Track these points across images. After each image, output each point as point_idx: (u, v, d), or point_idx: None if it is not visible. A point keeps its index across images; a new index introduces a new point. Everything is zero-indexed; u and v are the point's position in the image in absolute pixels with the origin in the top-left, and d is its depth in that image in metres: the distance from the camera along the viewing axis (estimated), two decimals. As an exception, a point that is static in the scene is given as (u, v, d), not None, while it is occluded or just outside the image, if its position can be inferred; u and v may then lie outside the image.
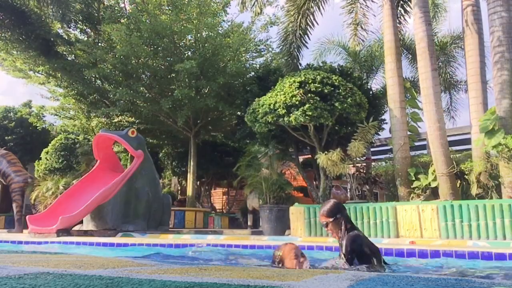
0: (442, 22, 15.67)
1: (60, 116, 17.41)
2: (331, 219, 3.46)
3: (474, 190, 7.31)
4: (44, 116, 19.49)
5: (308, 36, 10.86)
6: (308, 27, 10.71)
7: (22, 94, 67.31)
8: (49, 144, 17.33)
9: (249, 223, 14.43)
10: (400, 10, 11.13)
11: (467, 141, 8.97)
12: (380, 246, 4.78)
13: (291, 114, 8.83)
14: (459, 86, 16.09)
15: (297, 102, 8.79)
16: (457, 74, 15.74)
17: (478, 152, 7.67)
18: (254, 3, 11.74)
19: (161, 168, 18.12)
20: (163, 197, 10.11)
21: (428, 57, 8.14)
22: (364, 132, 9.08)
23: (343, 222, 3.45)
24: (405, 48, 14.84)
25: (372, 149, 16.32)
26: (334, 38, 16.32)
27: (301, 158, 14.31)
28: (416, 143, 9.66)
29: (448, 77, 15.61)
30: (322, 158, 8.74)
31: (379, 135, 13.01)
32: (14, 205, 11.23)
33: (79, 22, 14.89)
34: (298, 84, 9.11)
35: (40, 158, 17.16)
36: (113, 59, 13.10)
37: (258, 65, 14.85)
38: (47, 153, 17.00)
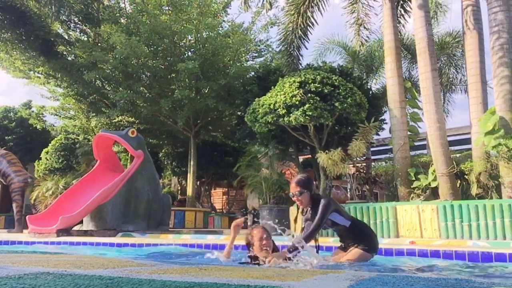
0: (442, 21, 15.66)
1: (60, 116, 17.42)
2: (305, 190, 3.65)
3: (474, 190, 7.30)
4: (44, 116, 19.50)
5: (308, 36, 10.85)
6: (308, 27, 10.70)
7: (22, 94, 67.37)
8: (49, 144, 17.33)
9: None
10: (400, 10, 11.12)
11: (467, 141, 8.97)
12: (380, 246, 4.79)
13: (291, 114, 8.83)
14: (455, 86, 16.08)
15: (297, 102, 8.79)
16: (460, 73, 15.67)
17: (478, 152, 7.67)
18: (259, 3, 11.72)
19: (161, 168, 18.11)
20: (163, 197, 10.11)
21: (428, 57, 8.13)
22: (365, 132, 9.08)
23: (311, 195, 3.71)
24: (405, 48, 14.82)
25: (372, 149, 16.31)
26: (334, 37, 16.30)
27: (301, 158, 14.31)
28: (416, 143, 9.65)
29: (448, 78, 15.59)
30: (322, 157, 8.74)
31: (379, 135, 13.01)
32: (14, 205, 11.22)
33: (79, 22, 14.88)
34: (298, 84, 9.11)
35: (40, 158, 17.16)
36: (113, 60, 13.10)
37: (258, 65, 14.85)
38: (47, 153, 17.00)
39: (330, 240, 5.90)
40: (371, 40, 15.60)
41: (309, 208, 3.73)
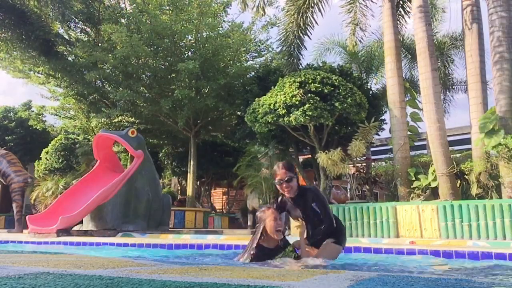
0: (441, 22, 15.67)
1: (60, 116, 17.42)
2: (294, 175, 3.51)
3: (474, 190, 7.31)
4: (44, 117, 19.50)
5: (308, 36, 10.84)
6: (308, 27, 10.70)
7: (22, 94, 67.35)
8: (49, 144, 17.33)
9: (249, 223, 14.43)
10: (400, 10, 11.12)
11: (467, 141, 8.96)
12: (380, 246, 4.78)
13: (291, 114, 8.83)
14: (453, 87, 16.10)
15: (297, 102, 8.79)
16: (455, 74, 15.73)
17: (478, 152, 7.67)
18: (256, 3, 11.70)
19: (161, 168, 18.11)
20: (163, 197, 10.11)
21: (428, 57, 8.13)
22: (365, 132, 9.09)
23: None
24: (405, 48, 14.81)
25: (372, 149, 16.31)
26: (334, 37, 16.29)
27: (301, 158, 14.31)
28: (416, 143, 9.65)
29: (445, 77, 15.59)
30: (322, 157, 8.74)
31: (379, 135, 13.01)
32: (14, 205, 11.23)
33: (80, 22, 14.88)
34: (298, 84, 9.11)
35: (40, 158, 17.16)
36: (114, 60, 13.11)
37: (258, 65, 14.85)
38: (47, 153, 17.00)
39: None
40: (371, 40, 15.62)
41: (287, 199, 3.60)
